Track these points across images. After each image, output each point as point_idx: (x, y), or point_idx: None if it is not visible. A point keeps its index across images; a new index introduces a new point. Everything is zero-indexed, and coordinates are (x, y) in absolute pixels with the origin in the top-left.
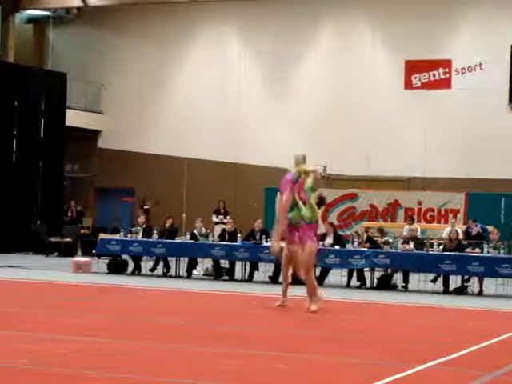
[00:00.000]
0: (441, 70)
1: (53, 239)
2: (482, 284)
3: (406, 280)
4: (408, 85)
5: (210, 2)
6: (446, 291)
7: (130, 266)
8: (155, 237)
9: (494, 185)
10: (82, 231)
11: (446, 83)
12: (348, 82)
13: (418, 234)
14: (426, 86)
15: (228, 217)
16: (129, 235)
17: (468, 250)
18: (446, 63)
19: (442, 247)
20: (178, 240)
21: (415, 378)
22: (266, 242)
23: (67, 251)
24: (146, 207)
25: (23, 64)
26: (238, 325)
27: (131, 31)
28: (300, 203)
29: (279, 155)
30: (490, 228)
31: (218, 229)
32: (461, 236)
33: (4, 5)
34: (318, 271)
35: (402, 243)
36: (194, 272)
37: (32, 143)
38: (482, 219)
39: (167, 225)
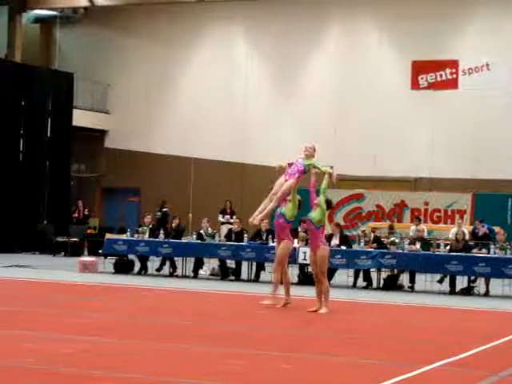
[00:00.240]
0: (448, 71)
1: (59, 239)
2: (488, 285)
3: (412, 280)
4: (415, 85)
5: (216, 2)
6: (452, 292)
7: (137, 266)
8: (162, 237)
9: (501, 185)
10: (89, 231)
11: (452, 83)
12: (355, 82)
13: (425, 234)
14: (432, 86)
15: (234, 217)
16: (135, 235)
17: (474, 250)
18: (453, 63)
19: (448, 248)
20: (184, 240)
21: (421, 379)
22: (273, 242)
23: (74, 251)
24: (164, 209)
25: (30, 64)
26: (244, 325)
27: (138, 31)
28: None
29: (286, 155)
30: (496, 229)
31: (224, 229)
32: (467, 237)
33: (11, 4)
34: None
35: (409, 244)
36: (201, 272)
37: (39, 143)
38: (489, 220)
39: (174, 225)
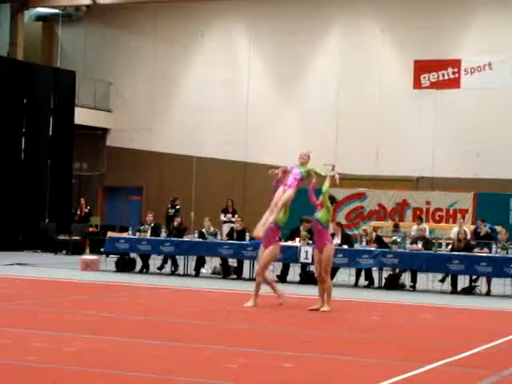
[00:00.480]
0: (450, 70)
1: (61, 237)
2: (490, 284)
3: (414, 280)
4: (417, 84)
5: (219, 2)
6: (454, 291)
7: (138, 265)
8: (163, 235)
9: (503, 185)
10: (91, 229)
11: (455, 83)
12: (357, 81)
13: (427, 233)
14: (435, 85)
15: (236, 215)
16: (137, 234)
17: (476, 250)
18: (456, 63)
19: (450, 247)
20: (186, 238)
21: (422, 378)
22: None
23: (75, 249)
24: (177, 207)
25: (32, 62)
26: (245, 323)
27: (140, 29)
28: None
29: (288, 154)
30: (498, 228)
31: (226, 228)
32: (469, 236)
33: (13, 2)
34: None
35: (411, 243)
36: (202, 270)
37: (40, 141)
38: (491, 219)
39: (175, 223)
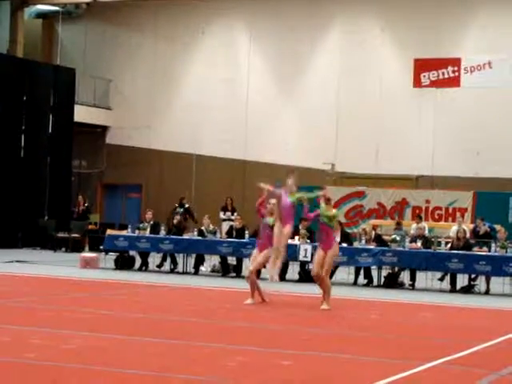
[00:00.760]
0: (450, 69)
1: (60, 235)
2: (489, 283)
3: (413, 278)
4: (417, 83)
5: (219, 0)
6: (453, 290)
7: (138, 262)
8: (163, 233)
9: (503, 184)
10: (90, 227)
11: (455, 81)
12: (357, 79)
13: (426, 232)
14: (435, 84)
15: (235, 214)
16: (136, 231)
17: (475, 248)
18: (455, 61)
19: (449, 246)
20: (185, 236)
21: (422, 377)
22: None
23: (75, 247)
24: (186, 205)
25: (32, 59)
26: (244, 321)
27: (140, 27)
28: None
29: (288, 152)
30: (497, 227)
31: (225, 226)
32: (468, 235)
33: (13, 0)
34: None
35: (410, 242)
36: (202, 268)
37: (40, 139)
38: (490, 218)
39: (175, 221)
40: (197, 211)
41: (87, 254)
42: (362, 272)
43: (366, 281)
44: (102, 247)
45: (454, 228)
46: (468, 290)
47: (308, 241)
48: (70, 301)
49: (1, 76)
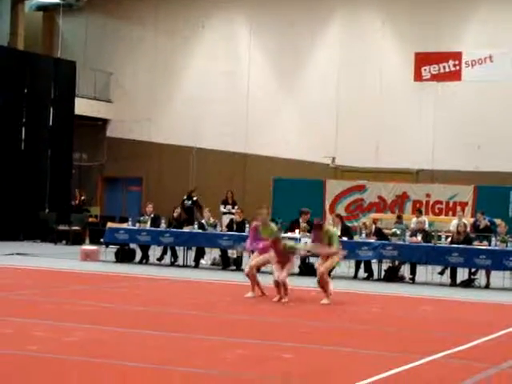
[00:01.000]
0: (451, 62)
1: (61, 227)
2: (489, 277)
3: (413, 272)
4: (418, 77)
5: None
6: (453, 284)
7: (138, 255)
8: (163, 226)
9: (503, 178)
10: (90, 220)
11: (456, 75)
12: (357, 73)
13: (426, 226)
14: (435, 78)
15: (236, 207)
16: (137, 224)
17: (475, 242)
18: (456, 55)
19: (449, 240)
20: (185, 230)
21: (421, 370)
22: None
23: (75, 239)
24: (195, 198)
25: (32, 52)
26: (244, 315)
27: (141, 20)
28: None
29: (288, 146)
30: (497, 221)
31: (225, 219)
32: (468, 229)
33: None
34: None
35: (410, 235)
36: (202, 262)
37: (41, 131)
38: (490, 212)
39: (175, 214)
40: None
41: (88, 247)
42: (362, 266)
43: (366, 274)
44: (102, 240)
45: (455, 222)
46: (468, 283)
47: (308, 234)
48: (70, 293)
49: (1, 68)
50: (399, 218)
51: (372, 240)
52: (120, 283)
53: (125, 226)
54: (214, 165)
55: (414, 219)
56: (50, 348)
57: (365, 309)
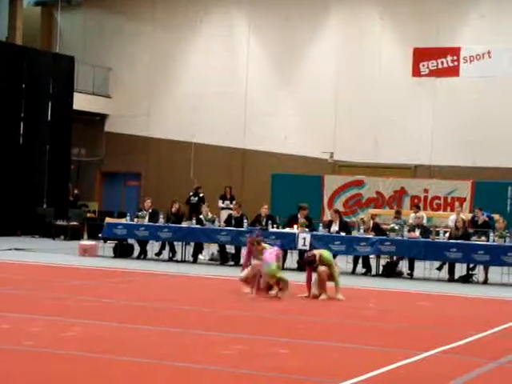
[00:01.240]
0: (449, 58)
1: (59, 223)
2: (487, 272)
3: (411, 267)
4: (416, 72)
5: None
6: (451, 279)
7: (136, 250)
8: (161, 221)
9: (501, 173)
10: (89, 215)
11: (454, 71)
12: (356, 68)
13: (424, 221)
14: (434, 73)
15: (234, 202)
16: (135, 219)
17: (474, 238)
18: (455, 51)
19: (447, 235)
20: (184, 225)
21: (420, 365)
22: (272, 227)
23: (74, 235)
24: (201, 195)
25: (31, 47)
26: (243, 310)
27: (139, 15)
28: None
29: (287, 141)
30: (495, 216)
31: (224, 214)
32: (466, 224)
33: None
34: None
35: (408, 231)
36: (200, 257)
37: (39, 126)
38: (488, 208)
39: (174, 209)
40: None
41: (86, 242)
42: (360, 261)
43: (364, 270)
44: (100, 235)
45: (453, 217)
46: (466, 279)
47: (306, 229)
48: (68, 289)
49: (0, 64)
50: (398, 213)
51: (370, 235)
52: (118, 278)
53: (123, 221)
54: (213, 160)
55: (412, 214)
56: (47, 343)
57: (363, 304)
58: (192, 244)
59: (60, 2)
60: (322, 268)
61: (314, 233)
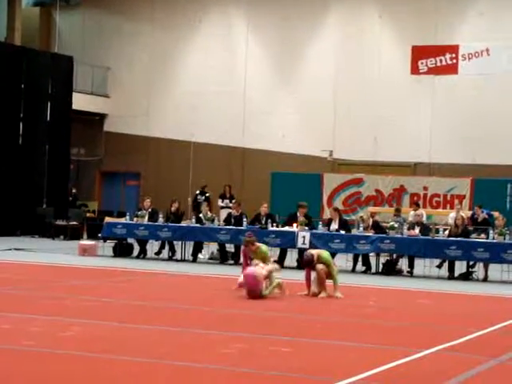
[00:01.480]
0: (448, 56)
1: (59, 222)
2: (487, 270)
3: (411, 265)
4: (415, 70)
5: None
6: (451, 277)
7: (136, 250)
8: (161, 220)
9: (500, 171)
10: (88, 215)
11: (452, 69)
12: (355, 67)
13: (423, 219)
14: (432, 71)
15: (233, 201)
16: (134, 219)
17: (473, 235)
18: (453, 48)
19: (447, 233)
20: (183, 224)
21: (420, 363)
22: (272, 226)
23: (73, 234)
24: (207, 194)
25: (30, 47)
26: (243, 309)
27: (138, 14)
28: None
29: (286, 140)
30: (495, 214)
31: (223, 213)
32: (466, 222)
33: None
34: None
35: (408, 228)
36: (200, 256)
37: (38, 126)
38: (488, 205)
39: (173, 209)
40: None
41: (85, 242)
42: (360, 259)
43: (364, 268)
44: (100, 235)
45: (452, 215)
46: (466, 276)
47: (306, 228)
48: (68, 288)
49: None
50: (398, 210)
51: (370, 233)
52: (118, 278)
53: (123, 220)
54: (212, 159)
55: (412, 212)
56: (48, 343)
57: (363, 302)
58: (191, 243)
59: (58, 2)
60: (320, 266)
61: (314, 231)
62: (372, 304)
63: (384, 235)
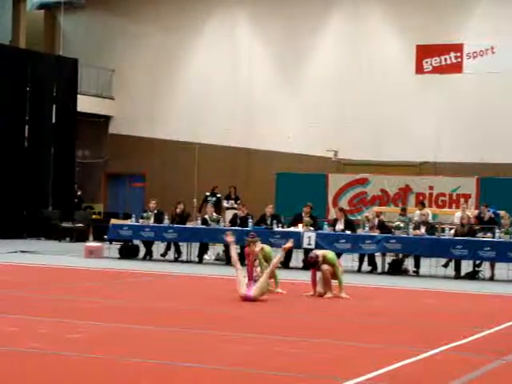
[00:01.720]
0: (452, 55)
1: (65, 225)
2: (493, 269)
3: (417, 265)
4: (419, 69)
5: None
6: (457, 276)
7: (142, 251)
8: (167, 222)
9: (506, 169)
10: (94, 217)
11: (457, 67)
12: (359, 66)
13: (429, 218)
14: (437, 70)
15: (239, 202)
16: (140, 220)
17: (480, 234)
18: (458, 47)
19: (453, 232)
20: (189, 225)
21: (426, 363)
22: (277, 227)
23: (79, 236)
24: (218, 195)
25: (34, 50)
26: (249, 310)
27: (142, 16)
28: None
29: (291, 140)
30: (501, 213)
31: (228, 214)
32: (472, 221)
33: None
34: None
35: (414, 228)
36: (205, 257)
37: (43, 129)
38: (494, 204)
39: (178, 210)
40: (200, 200)
41: (92, 244)
42: (366, 259)
43: (370, 268)
44: (106, 237)
45: (458, 214)
46: (472, 276)
47: (311, 228)
48: (74, 290)
49: (4, 67)
50: (403, 210)
51: (375, 233)
52: (124, 279)
53: (128, 222)
54: (217, 160)
55: (417, 212)
56: (55, 345)
57: (369, 302)
58: (197, 244)
59: (63, 4)
60: (325, 266)
61: (319, 231)
62: (378, 304)
63: (390, 235)
